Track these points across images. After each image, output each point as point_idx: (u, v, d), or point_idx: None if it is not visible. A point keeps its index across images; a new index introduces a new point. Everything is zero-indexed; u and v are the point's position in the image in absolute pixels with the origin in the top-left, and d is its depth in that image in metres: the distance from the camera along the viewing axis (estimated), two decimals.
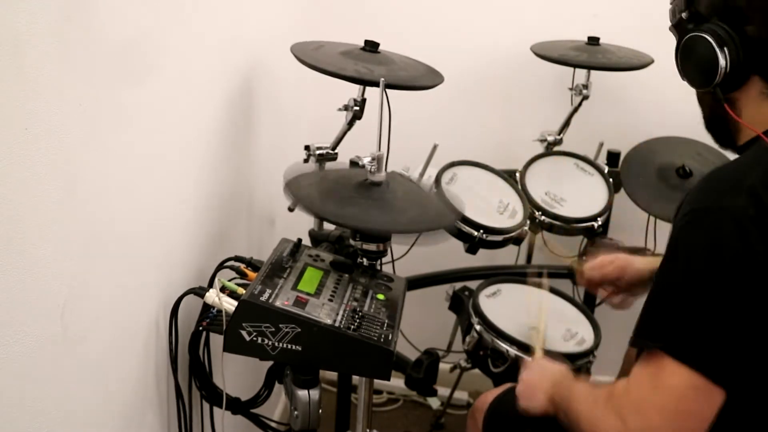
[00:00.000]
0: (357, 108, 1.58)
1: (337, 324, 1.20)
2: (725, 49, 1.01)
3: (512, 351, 1.64)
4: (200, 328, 1.26)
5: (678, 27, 1.10)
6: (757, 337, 0.94)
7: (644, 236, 2.07)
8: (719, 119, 1.12)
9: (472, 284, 1.88)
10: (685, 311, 0.95)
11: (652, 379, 0.95)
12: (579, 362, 1.63)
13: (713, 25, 1.03)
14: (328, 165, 1.70)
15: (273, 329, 1.17)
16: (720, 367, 0.92)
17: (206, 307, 1.25)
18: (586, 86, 2.05)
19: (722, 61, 1.02)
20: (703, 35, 1.03)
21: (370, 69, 1.48)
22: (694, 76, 1.09)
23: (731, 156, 1.13)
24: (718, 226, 0.94)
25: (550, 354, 1.46)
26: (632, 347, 1.00)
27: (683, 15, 1.08)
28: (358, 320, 1.22)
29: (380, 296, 1.33)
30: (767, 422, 1.02)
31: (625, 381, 1.00)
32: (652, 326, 0.98)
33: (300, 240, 1.42)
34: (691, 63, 1.08)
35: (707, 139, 2.11)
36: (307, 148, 1.70)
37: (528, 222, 1.83)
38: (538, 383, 1.25)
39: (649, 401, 0.94)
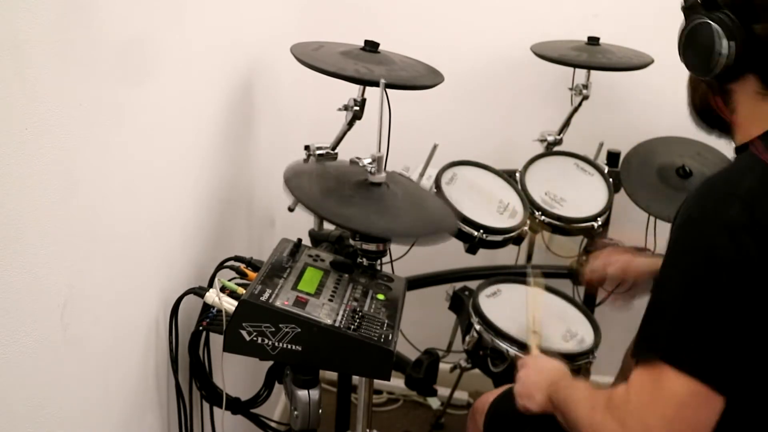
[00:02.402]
0: (357, 108, 1.58)
1: (337, 324, 1.20)
2: (731, 42, 1.01)
3: (512, 351, 1.64)
4: (200, 328, 1.26)
5: (690, 9, 1.09)
6: (755, 342, 0.94)
7: (644, 236, 2.07)
8: (711, 109, 1.12)
9: (472, 284, 1.88)
10: (683, 320, 0.95)
11: (651, 386, 0.95)
12: (579, 362, 1.63)
13: (724, 15, 1.02)
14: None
15: (273, 329, 1.17)
16: (719, 374, 0.93)
17: (206, 307, 1.25)
18: (586, 86, 2.05)
19: (725, 54, 1.02)
20: (713, 24, 1.03)
21: (370, 69, 1.48)
22: (695, 61, 1.09)
23: (729, 153, 1.13)
24: (713, 235, 0.94)
25: (547, 352, 1.46)
26: (633, 358, 1.00)
27: None
28: (358, 320, 1.22)
29: (380, 296, 1.33)
30: (766, 424, 1.02)
31: (624, 387, 1.00)
32: (650, 336, 0.99)
33: (300, 240, 1.42)
34: (694, 48, 1.07)
35: (707, 139, 2.11)
36: (307, 148, 1.70)
37: (528, 222, 1.83)
38: (535, 382, 1.25)
39: (649, 409, 0.95)
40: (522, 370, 1.31)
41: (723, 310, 0.93)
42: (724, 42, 1.01)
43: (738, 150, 1.10)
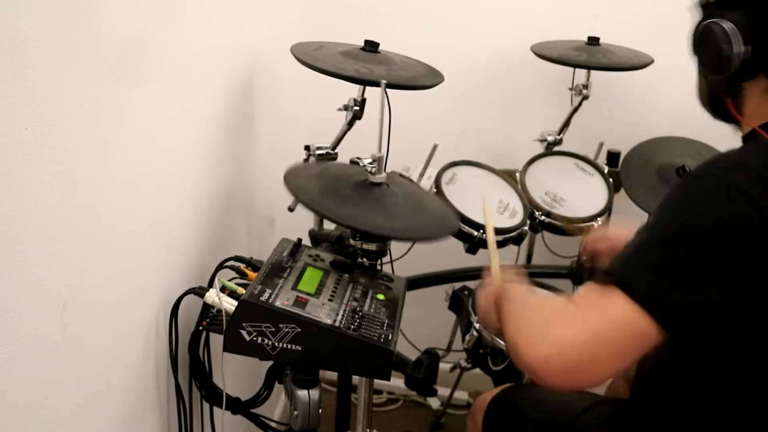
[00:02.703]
0: (357, 108, 1.58)
1: (337, 324, 1.20)
2: (745, 42, 1.01)
3: None
4: (200, 328, 1.26)
5: (705, 7, 1.09)
6: (719, 305, 0.92)
7: None
8: (719, 104, 1.12)
9: (472, 284, 1.88)
10: (649, 255, 0.94)
11: (595, 301, 0.94)
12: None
13: (739, 15, 1.02)
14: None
15: (273, 329, 1.17)
16: (666, 309, 0.91)
17: (206, 307, 1.25)
18: (586, 86, 2.05)
19: (739, 54, 1.01)
20: (727, 24, 1.02)
21: (370, 69, 1.48)
22: (708, 60, 1.08)
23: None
24: (711, 191, 0.94)
25: None
26: (593, 282, 0.97)
27: None
28: (358, 320, 1.22)
29: (380, 296, 1.33)
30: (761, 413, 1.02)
31: (564, 298, 0.99)
32: (615, 264, 0.97)
33: (300, 240, 1.42)
34: (708, 47, 1.07)
35: (707, 139, 2.11)
36: (307, 148, 1.70)
37: (528, 222, 1.83)
38: (488, 296, 1.23)
39: (582, 317, 0.93)
40: (480, 290, 1.28)
41: (695, 260, 0.91)
42: (739, 42, 1.01)
43: (746, 138, 1.10)
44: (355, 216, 1.29)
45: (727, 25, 1.02)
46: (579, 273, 2.05)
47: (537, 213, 1.88)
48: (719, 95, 1.11)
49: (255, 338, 1.18)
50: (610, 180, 1.99)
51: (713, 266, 0.91)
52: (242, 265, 1.36)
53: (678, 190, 1.00)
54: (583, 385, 0.93)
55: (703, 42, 1.08)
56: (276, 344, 1.18)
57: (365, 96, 1.57)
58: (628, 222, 1.53)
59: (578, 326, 0.92)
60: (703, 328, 0.95)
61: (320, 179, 1.40)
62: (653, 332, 0.90)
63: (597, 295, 0.94)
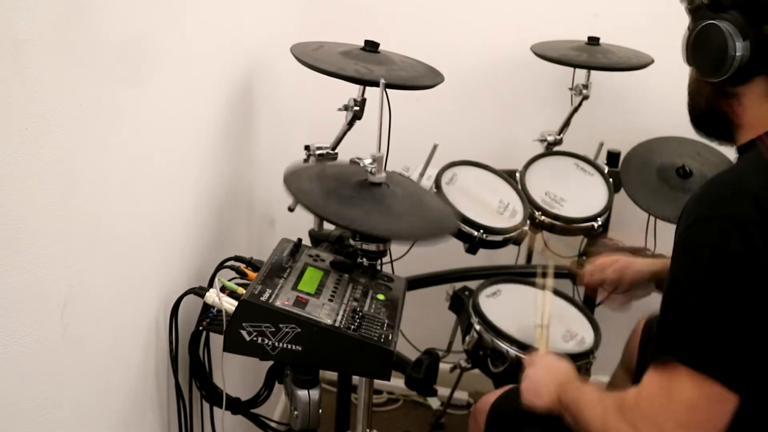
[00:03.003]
0: (357, 108, 1.58)
1: (337, 324, 1.20)
2: (743, 44, 1.00)
3: (512, 351, 1.64)
4: (200, 328, 1.26)
5: (696, 12, 1.08)
6: (765, 340, 0.94)
7: (644, 236, 2.07)
8: (717, 112, 1.11)
9: (472, 284, 1.88)
10: (695, 319, 0.95)
11: (664, 388, 0.95)
12: (579, 362, 1.63)
13: (732, 16, 1.02)
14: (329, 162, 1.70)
15: (273, 329, 1.17)
16: (733, 373, 0.92)
17: (206, 307, 1.25)
18: (586, 86, 2.05)
19: (737, 56, 1.01)
20: (723, 25, 1.02)
21: (370, 69, 1.48)
22: (704, 64, 1.08)
23: (729, 153, 1.12)
24: (724, 233, 0.94)
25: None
26: (651, 365, 1.00)
27: (704, 0, 1.06)
28: (358, 320, 1.22)
29: (380, 296, 1.33)
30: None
31: (636, 390, 1.00)
32: (664, 337, 0.98)
33: (300, 240, 1.42)
34: (704, 51, 1.06)
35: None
36: (307, 148, 1.70)
37: (528, 222, 1.83)
38: (543, 381, 1.24)
39: (663, 411, 0.95)
40: (530, 367, 1.30)
41: (734, 307, 0.93)
42: (737, 44, 1.00)
43: (741, 149, 1.10)
44: (357, 218, 1.29)
45: (724, 25, 1.02)
46: (579, 272, 2.06)
47: (537, 213, 1.88)
48: (717, 104, 1.09)
49: (255, 338, 1.18)
50: (610, 180, 1.99)
51: (754, 306, 0.92)
52: (242, 265, 1.36)
53: (690, 239, 0.98)
54: None
55: (700, 45, 1.07)
56: (276, 344, 1.18)
57: (365, 96, 1.57)
58: (616, 254, 1.54)
59: (665, 424, 0.94)
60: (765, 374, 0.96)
61: (320, 180, 1.40)
62: (729, 395, 0.92)
63: (664, 383, 0.96)
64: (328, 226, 1.71)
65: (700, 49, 1.07)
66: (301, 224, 1.72)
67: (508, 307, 1.77)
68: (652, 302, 1.19)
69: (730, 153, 1.15)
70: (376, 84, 1.39)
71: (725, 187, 1.00)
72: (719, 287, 0.93)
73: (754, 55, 1.01)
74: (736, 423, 0.99)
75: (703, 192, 1.02)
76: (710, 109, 1.12)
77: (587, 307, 1.92)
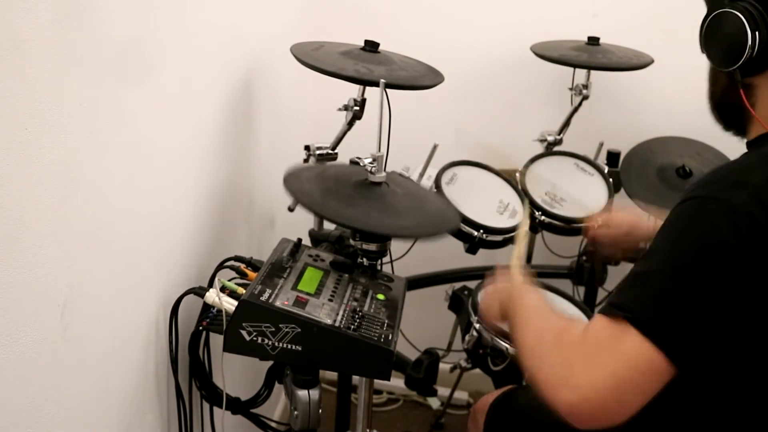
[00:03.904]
0: (357, 108, 1.58)
1: (337, 324, 1.20)
2: (757, 33, 0.99)
3: (512, 349, 1.64)
4: (200, 328, 1.26)
5: None
6: (729, 331, 0.92)
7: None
8: (731, 103, 1.09)
9: (472, 284, 1.88)
10: (661, 288, 0.93)
11: (610, 340, 0.93)
12: None
13: (749, 4, 1.00)
14: (329, 163, 1.70)
15: (273, 329, 1.17)
16: (681, 347, 0.91)
17: (206, 307, 1.25)
18: (586, 86, 2.04)
19: (750, 45, 0.99)
20: (738, 14, 1.00)
21: (370, 69, 1.48)
22: (718, 52, 1.06)
23: (731, 155, 1.11)
24: (715, 216, 0.92)
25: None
26: (599, 314, 0.97)
27: None
28: (358, 320, 1.22)
29: (380, 296, 1.33)
30: (760, 418, 1.02)
31: (581, 329, 0.98)
32: (624, 296, 0.96)
33: (300, 240, 1.42)
34: (718, 39, 1.05)
35: (707, 139, 2.11)
36: (307, 148, 1.70)
37: (528, 222, 1.83)
38: (495, 295, 1.22)
39: (601, 360, 0.93)
40: (489, 281, 1.27)
41: (705, 290, 0.91)
42: (751, 33, 0.99)
43: (751, 143, 1.08)
44: (359, 217, 1.29)
45: (738, 14, 1.00)
46: (579, 273, 2.06)
47: (537, 213, 1.88)
48: (731, 95, 1.07)
49: (255, 338, 1.18)
50: (610, 180, 1.99)
51: (725, 294, 0.91)
52: (242, 265, 1.36)
53: (680, 214, 0.97)
54: (609, 425, 0.93)
55: (715, 33, 1.05)
56: (276, 344, 1.18)
57: (365, 96, 1.57)
58: (630, 209, 1.53)
59: (599, 371, 0.92)
60: (715, 361, 0.94)
61: (320, 181, 1.40)
62: (669, 368, 0.90)
63: (611, 334, 0.94)
64: (328, 226, 1.71)
65: (715, 37, 1.06)
66: (301, 224, 1.72)
67: None
68: None
69: (731, 153, 1.15)
70: (376, 84, 1.39)
71: (729, 174, 0.99)
72: (696, 267, 0.92)
73: (766, 47, 0.99)
74: (729, 422, 1.00)
75: (706, 176, 1.01)
76: (724, 99, 1.11)
77: (587, 306, 1.92)
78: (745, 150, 1.09)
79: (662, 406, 0.96)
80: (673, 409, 1.04)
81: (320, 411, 1.26)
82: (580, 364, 0.94)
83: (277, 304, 1.19)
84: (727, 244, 0.91)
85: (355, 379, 1.73)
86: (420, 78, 1.56)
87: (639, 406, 0.92)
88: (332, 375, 2.25)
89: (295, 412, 1.25)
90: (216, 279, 1.26)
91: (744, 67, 1.02)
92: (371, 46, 1.59)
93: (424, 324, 2.10)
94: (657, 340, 0.90)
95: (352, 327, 1.20)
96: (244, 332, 1.18)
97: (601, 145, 2.09)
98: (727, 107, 1.11)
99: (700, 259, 0.92)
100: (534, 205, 1.89)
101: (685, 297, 0.91)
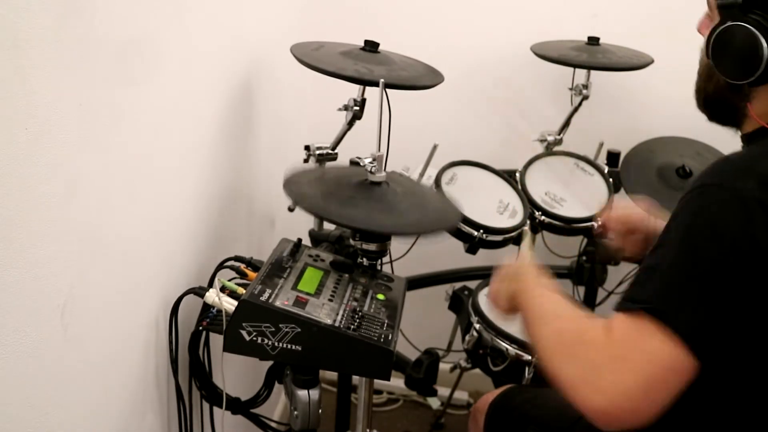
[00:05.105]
0: (357, 108, 1.58)
1: (337, 324, 1.20)
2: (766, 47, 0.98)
3: (512, 349, 1.64)
4: (200, 328, 1.26)
5: (726, 9, 1.04)
6: (744, 321, 0.92)
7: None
8: (724, 102, 1.09)
9: (472, 284, 1.88)
10: (676, 278, 0.93)
11: (634, 339, 0.92)
12: None
13: (763, 19, 0.99)
14: (328, 165, 1.70)
15: (273, 329, 1.17)
16: (702, 339, 0.90)
17: (206, 307, 1.25)
18: (586, 86, 2.05)
19: (766, 62, 0.98)
20: (753, 29, 0.99)
21: (370, 69, 1.49)
22: (730, 65, 1.04)
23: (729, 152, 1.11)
24: (725, 205, 0.92)
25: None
26: (618, 312, 0.95)
27: None
28: (358, 320, 1.22)
29: (380, 296, 1.33)
30: (763, 413, 1.01)
31: (601, 329, 0.96)
32: (640, 289, 0.95)
33: (300, 240, 1.42)
34: (730, 51, 1.03)
35: (707, 139, 2.11)
36: (307, 148, 1.70)
37: (528, 222, 1.83)
38: (503, 285, 1.20)
39: (629, 363, 0.92)
40: (499, 270, 1.25)
41: (717, 279, 0.91)
42: (765, 48, 0.98)
43: (749, 136, 1.08)
44: (360, 217, 1.29)
45: (755, 28, 0.99)
46: (579, 273, 2.06)
47: (537, 213, 1.88)
48: (726, 95, 1.08)
49: (255, 338, 1.18)
50: (610, 180, 1.99)
51: (739, 282, 0.90)
52: (242, 265, 1.36)
53: (689, 203, 0.97)
54: (638, 427, 0.92)
55: (727, 45, 1.04)
56: (276, 344, 1.18)
57: (365, 96, 1.57)
58: (641, 202, 1.52)
59: (629, 376, 0.91)
60: (735, 351, 0.94)
61: (320, 183, 1.40)
62: (692, 361, 0.90)
63: (634, 333, 0.92)
64: (328, 226, 1.71)
65: (725, 49, 1.04)
66: (301, 224, 1.72)
67: None
68: None
69: (730, 151, 1.15)
70: (376, 84, 1.39)
71: (735, 163, 0.99)
72: (706, 257, 0.91)
73: None
74: (731, 420, 0.99)
75: (713, 165, 1.00)
76: (717, 97, 1.11)
77: (587, 306, 1.92)
78: (740, 144, 1.10)
79: (681, 407, 0.95)
80: (690, 409, 1.04)
81: (320, 411, 1.26)
82: (607, 367, 0.93)
83: (277, 304, 1.19)
84: (739, 231, 0.90)
85: (355, 379, 1.73)
86: (420, 78, 1.56)
87: (666, 405, 0.91)
88: (332, 375, 2.25)
89: (295, 412, 1.25)
90: (216, 279, 1.26)
91: (756, 79, 1.01)
92: (371, 46, 1.59)
93: (424, 324, 2.10)
94: (678, 329, 0.89)
95: (352, 327, 1.20)
96: (244, 332, 1.18)
97: (601, 145, 2.09)
98: (719, 103, 1.11)
99: (714, 247, 0.91)
100: (534, 205, 1.89)
101: (699, 286, 0.91)
